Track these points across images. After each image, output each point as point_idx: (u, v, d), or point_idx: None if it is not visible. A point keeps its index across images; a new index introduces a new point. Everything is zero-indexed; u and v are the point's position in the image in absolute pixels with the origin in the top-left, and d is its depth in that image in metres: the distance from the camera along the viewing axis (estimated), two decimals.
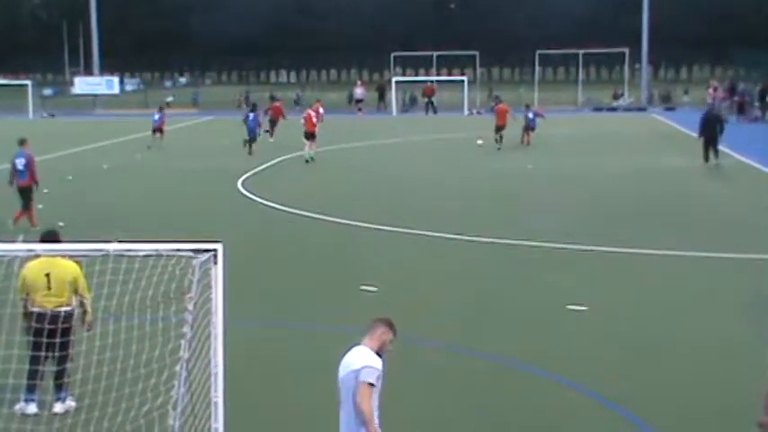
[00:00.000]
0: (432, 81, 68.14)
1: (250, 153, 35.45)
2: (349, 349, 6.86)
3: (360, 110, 62.12)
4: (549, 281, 15.63)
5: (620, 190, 26.36)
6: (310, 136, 34.14)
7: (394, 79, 67.67)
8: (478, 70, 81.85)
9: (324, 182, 28.86)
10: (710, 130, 32.06)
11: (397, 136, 43.94)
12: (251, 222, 21.72)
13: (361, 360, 6.64)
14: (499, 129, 38.60)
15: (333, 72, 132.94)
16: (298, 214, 22.30)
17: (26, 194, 20.68)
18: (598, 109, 65.05)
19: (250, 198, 25.05)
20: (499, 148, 37.41)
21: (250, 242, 18.78)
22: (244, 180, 28.42)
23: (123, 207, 23.65)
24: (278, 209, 23.23)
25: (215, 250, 7.32)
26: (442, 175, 29.95)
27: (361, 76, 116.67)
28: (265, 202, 24.17)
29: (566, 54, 78.88)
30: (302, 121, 35.09)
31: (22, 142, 21.05)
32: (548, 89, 74.31)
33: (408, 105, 67.69)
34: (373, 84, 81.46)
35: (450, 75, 77.31)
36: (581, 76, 72.21)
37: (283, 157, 34.94)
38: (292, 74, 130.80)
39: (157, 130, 40.86)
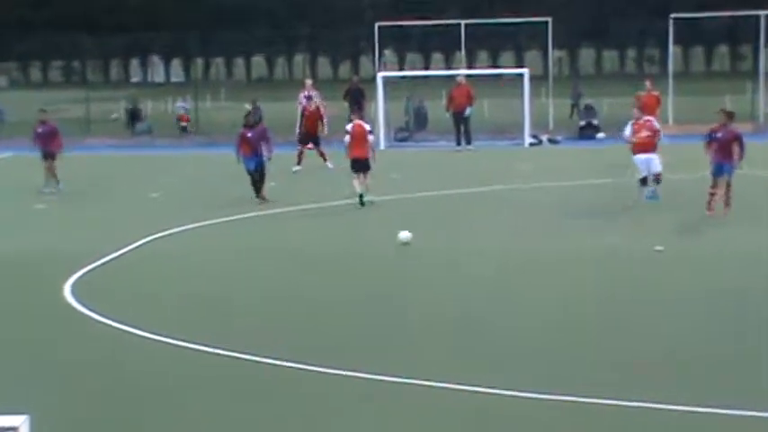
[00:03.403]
0: (463, 76, 42.71)
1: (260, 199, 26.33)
2: None
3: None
4: None
5: None
6: (361, 165, 24.85)
7: (380, 75, 42.52)
8: (552, 54, 50.07)
9: (240, 278, 17.85)
10: None
11: (398, 190, 27.96)
12: (90, 369, 13.46)
13: None
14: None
15: (258, 61, 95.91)
16: (183, 347, 13.54)
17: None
18: None
19: (88, 317, 16.10)
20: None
21: (87, 412, 11.57)
22: (77, 280, 18.50)
23: None
24: (140, 336, 14.50)
25: (14, 429, 5.90)
26: (493, 276, 17.46)
27: (314, 70, 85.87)
28: (116, 325, 15.37)
29: (732, 18, 56.83)
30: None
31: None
32: (694, 91, 48.70)
33: (410, 126, 43.32)
34: (338, 84, 56.03)
35: (494, 66, 58.27)
36: (762, 62, 45.07)
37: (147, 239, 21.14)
38: (175, 65, 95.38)
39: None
